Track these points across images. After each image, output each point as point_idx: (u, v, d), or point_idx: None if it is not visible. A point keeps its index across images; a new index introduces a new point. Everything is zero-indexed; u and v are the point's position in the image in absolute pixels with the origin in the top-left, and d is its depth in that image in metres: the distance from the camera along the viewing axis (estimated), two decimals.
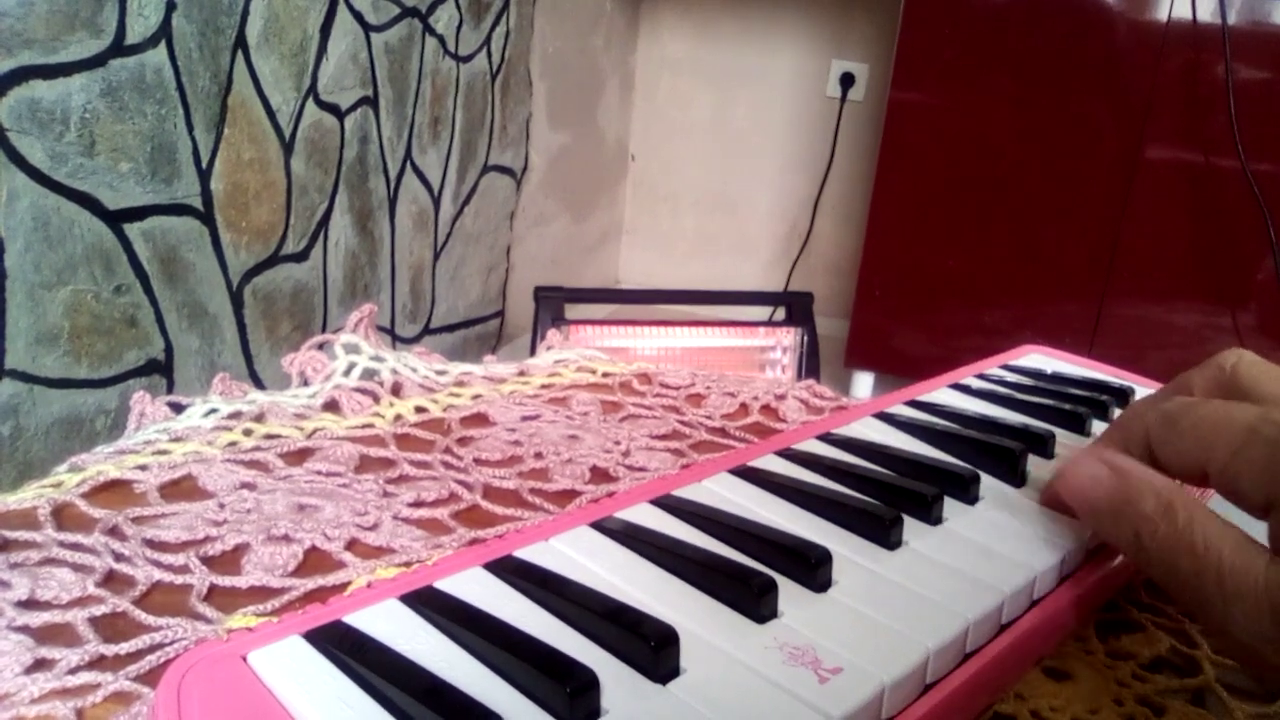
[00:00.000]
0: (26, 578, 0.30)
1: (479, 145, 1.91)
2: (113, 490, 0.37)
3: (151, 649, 0.28)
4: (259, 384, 1.09)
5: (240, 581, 0.31)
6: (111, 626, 0.29)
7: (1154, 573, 0.26)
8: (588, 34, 2.32)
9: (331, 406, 0.46)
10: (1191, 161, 1.79)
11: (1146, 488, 0.27)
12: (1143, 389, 0.44)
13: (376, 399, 0.47)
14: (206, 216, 1.21)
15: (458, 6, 1.73)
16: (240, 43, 1.23)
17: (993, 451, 0.34)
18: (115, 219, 1.07)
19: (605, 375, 0.53)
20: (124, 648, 0.28)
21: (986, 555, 0.29)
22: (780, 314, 1.85)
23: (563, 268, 2.42)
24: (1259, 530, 0.26)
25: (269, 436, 0.42)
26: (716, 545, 0.28)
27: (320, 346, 0.51)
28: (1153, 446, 0.29)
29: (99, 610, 0.29)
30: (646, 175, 2.74)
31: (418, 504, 0.37)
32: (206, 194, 1.21)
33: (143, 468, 0.38)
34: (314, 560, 0.33)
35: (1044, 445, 0.36)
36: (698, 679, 0.22)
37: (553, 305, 1.69)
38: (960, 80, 1.87)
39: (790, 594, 0.26)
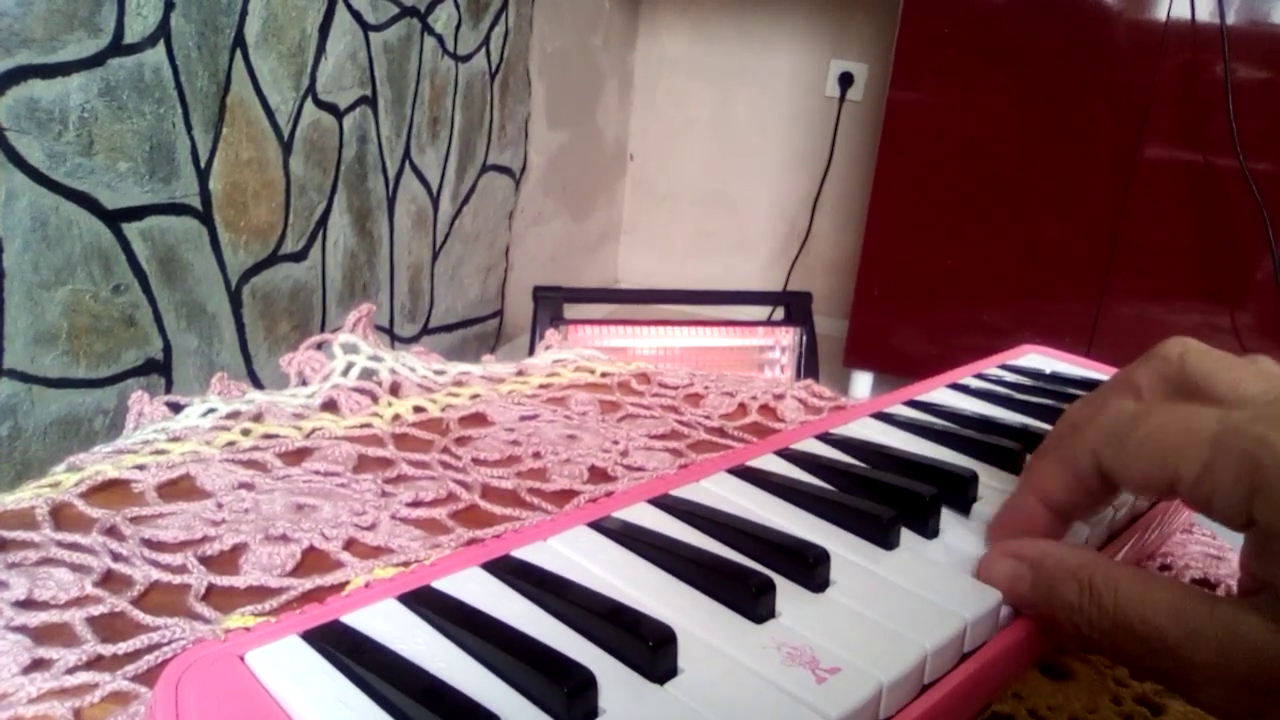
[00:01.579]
0: (24, 577, 0.30)
1: (478, 145, 1.91)
2: (111, 490, 0.37)
3: (149, 649, 0.28)
4: (257, 384, 1.09)
5: (238, 581, 0.31)
6: (109, 626, 0.29)
7: (1107, 655, 0.25)
8: (587, 33, 2.32)
9: (330, 406, 0.46)
10: (1190, 161, 1.79)
11: (1064, 573, 0.25)
12: None
13: (375, 399, 0.47)
14: (205, 216, 1.21)
15: (456, 6, 1.73)
16: (239, 42, 1.23)
17: (991, 451, 0.34)
18: (114, 218, 1.07)
19: (604, 375, 0.53)
20: (122, 647, 0.28)
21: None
22: (779, 313, 1.85)
23: (561, 267, 2.42)
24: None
25: (267, 436, 0.42)
26: (714, 545, 0.28)
27: (319, 346, 0.51)
28: (1103, 466, 0.26)
29: (97, 610, 0.29)
30: (645, 175, 2.73)
31: (416, 504, 0.37)
32: (205, 194, 1.21)
33: (141, 467, 0.38)
34: (312, 560, 0.33)
35: None
36: (696, 679, 0.22)
37: (551, 305, 1.69)
38: (959, 80, 1.87)
39: (788, 594, 0.26)
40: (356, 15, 1.46)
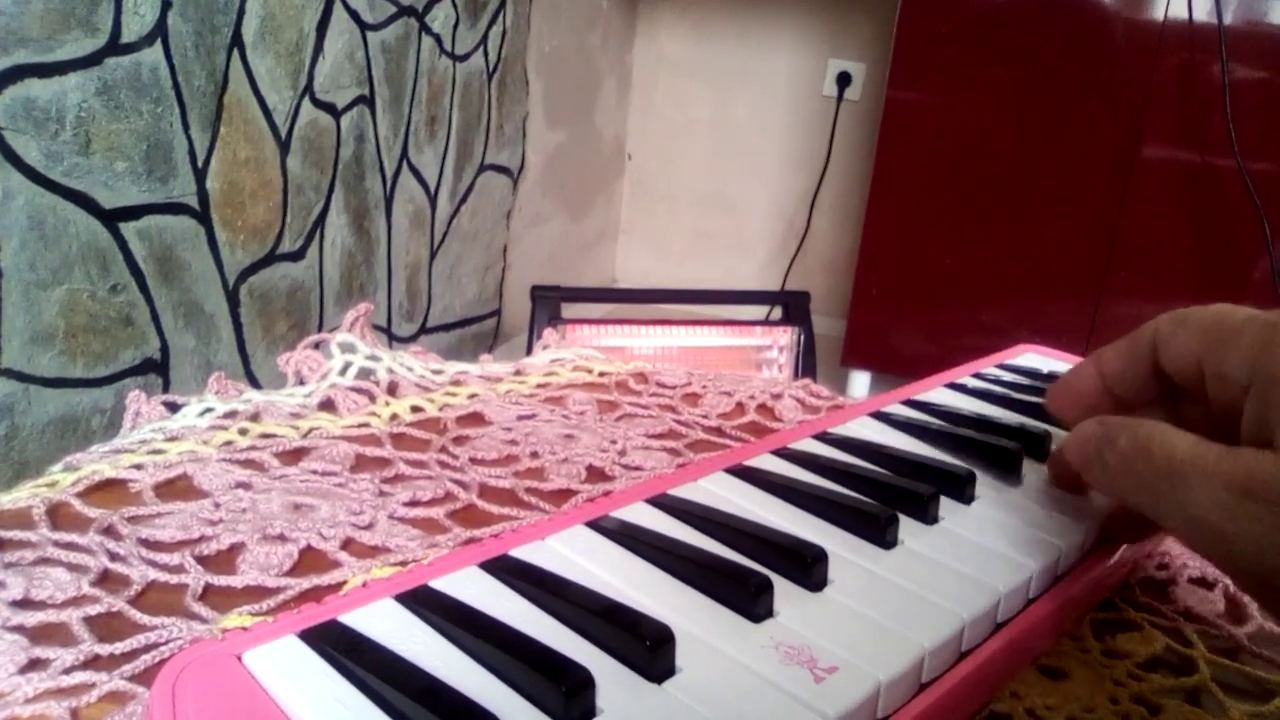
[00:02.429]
0: (21, 577, 0.30)
1: (475, 144, 1.91)
2: (108, 489, 0.37)
3: (146, 648, 0.28)
4: (255, 383, 1.09)
5: (235, 581, 0.31)
6: (106, 626, 0.29)
7: (1119, 487, 0.27)
8: (584, 33, 2.32)
9: (327, 406, 0.46)
10: (1188, 161, 1.79)
11: (1121, 426, 0.28)
12: None
13: (372, 398, 0.47)
14: (202, 215, 1.21)
15: (454, 5, 1.73)
16: (236, 41, 1.22)
17: (989, 451, 0.34)
18: (111, 218, 1.07)
19: (601, 374, 0.53)
20: (119, 647, 0.28)
21: (982, 554, 0.29)
22: (777, 313, 1.85)
23: (559, 267, 2.42)
24: None
25: (264, 436, 0.42)
26: (712, 544, 0.28)
27: (316, 346, 0.51)
28: (1158, 344, 0.29)
29: (94, 610, 0.29)
30: (643, 174, 2.73)
31: (413, 503, 0.37)
32: (202, 193, 1.20)
33: (138, 467, 0.38)
34: (309, 560, 0.33)
35: (1040, 445, 0.36)
36: (694, 678, 0.22)
37: (549, 304, 1.69)
38: (957, 79, 1.87)
39: (786, 593, 0.26)
40: (354, 14, 1.46)
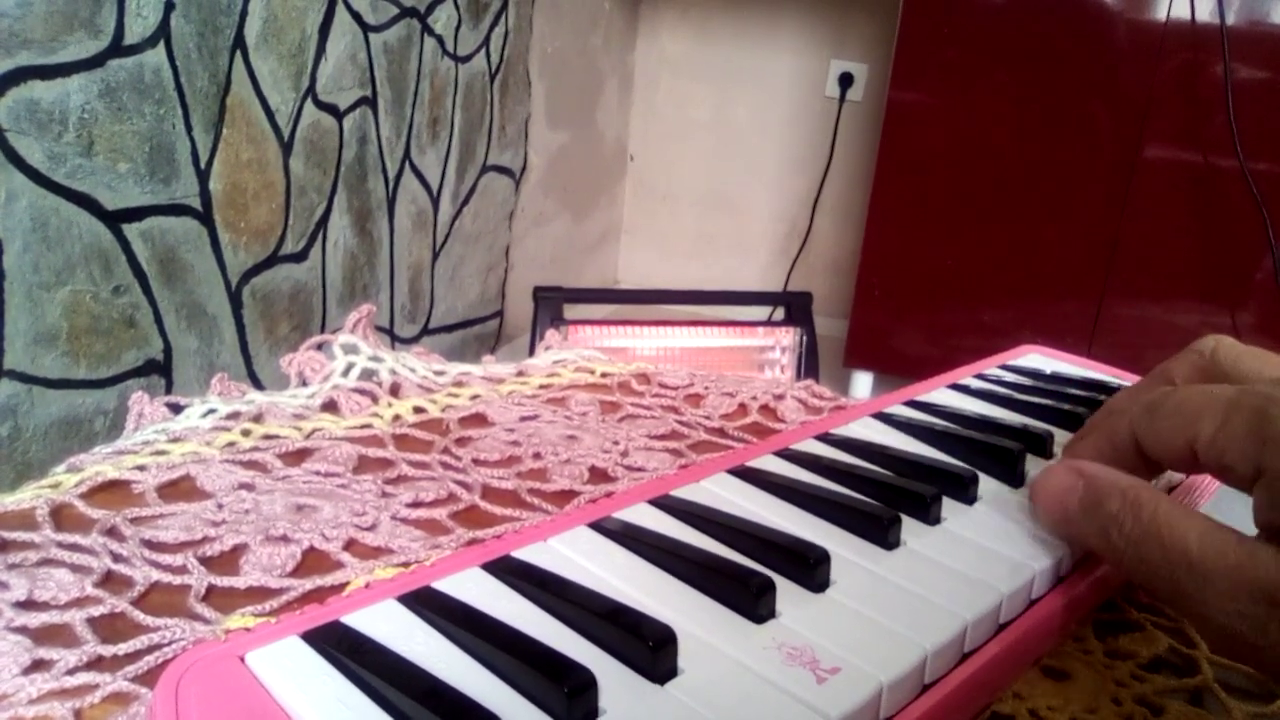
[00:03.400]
0: (25, 578, 0.30)
1: (478, 145, 1.91)
2: (111, 491, 0.37)
3: (150, 649, 0.28)
4: (258, 384, 1.09)
5: (238, 582, 0.31)
6: (110, 627, 0.29)
7: (1127, 569, 0.27)
8: (587, 34, 2.32)
9: (330, 407, 0.46)
10: (1190, 161, 1.79)
11: (1112, 488, 0.27)
12: None
13: (375, 399, 0.47)
14: (205, 217, 1.21)
15: (456, 6, 1.73)
16: (239, 43, 1.23)
17: (991, 452, 0.34)
18: (114, 219, 1.07)
19: (604, 375, 0.53)
20: (122, 648, 0.28)
21: (984, 555, 0.29)
22: (779, 314, 1.85)
23: (561, 268, 2.42)
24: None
25: (267, 437, 0.42)
26: (715, 545, 0.28)
27: (319, 347, 0.51)
28: (1137, 436, 0.29)
29: (97, 611, 0.29)
30: (645, 175, 2.73)
31: (416, 504, 0.37)
32: (205, 194, 1.21)
33: (141, 468, 0.38)
34: (312, 561, 0.33)
35: (1043, 445, 0.36)
36: (696, 679, 0.22)
37: (551, 305, 1.69)
38: (959, 80, 1.87)
39: (788, 594, 0.26)
40: (356, 16, 1.46)
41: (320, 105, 1.41)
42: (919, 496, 0.30)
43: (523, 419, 0.47)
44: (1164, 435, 0.28)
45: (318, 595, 0.31)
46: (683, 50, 2.60)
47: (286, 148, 1.35)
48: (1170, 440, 0.28)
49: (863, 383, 2.13)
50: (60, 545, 0.32)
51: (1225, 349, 0.30)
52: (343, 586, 0.32)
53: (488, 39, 1.87)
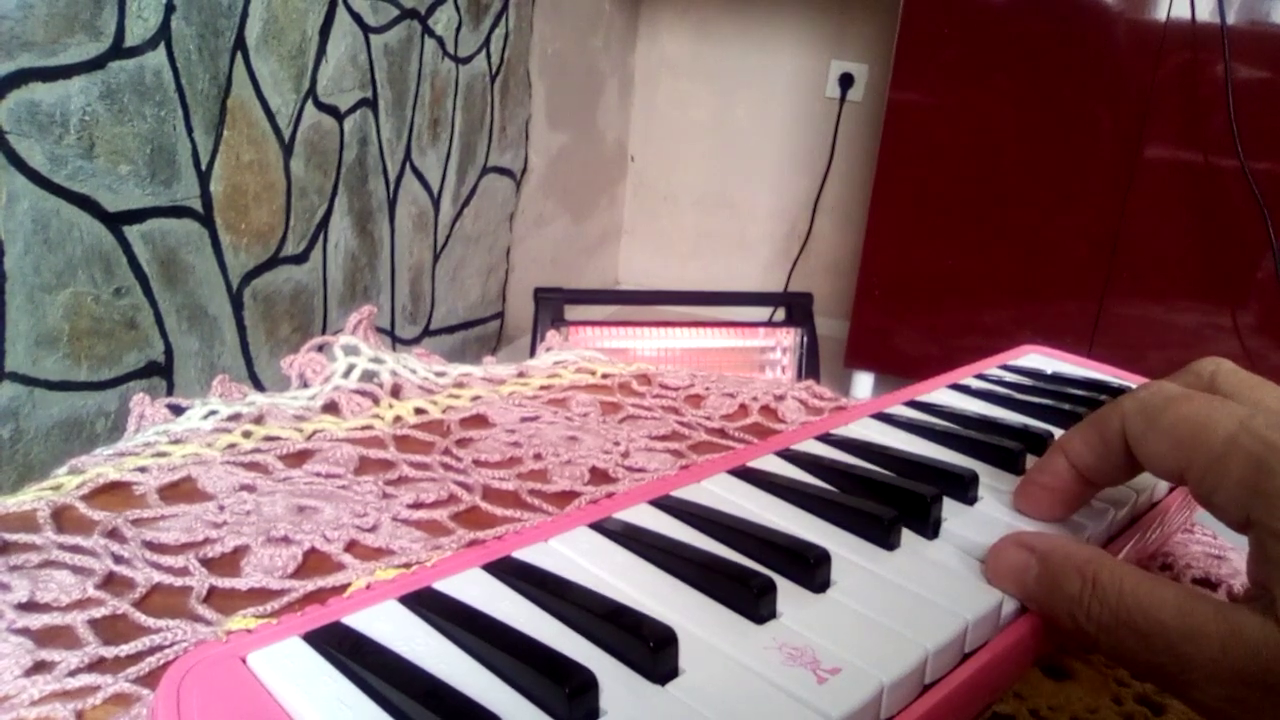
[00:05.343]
0: (26, 580, 0.30)
1: (478, 146, 1.91)
2: (112, 492, 0.37)
3: (151, 651, 0.28)
4: (259, 386, 1.09)
5: (240, 583, 0.32)
6: (111, 628, 0.29)
7: (1104, 654, 0.25)
8: (587, 35, 2.33)
9: (331, 408, 0.46)
10: (1191, 161, 1.79)
11: (1067, 565, 0.25)
12: None
13: (376, 401, 0.47)
14: (206, 218, 1.21)
15: (457, 8, 1.73)
16: (239, 45, 1.23)
17: (992, 452, 0.34)
18: (115, 221, 1.07)
19: (604, 376, 0.53)
20: (124, 650, 0.28)
21: (986, 555, 0.29)
22: (780, 314, 1.85)
23: (562, 269, 2.42)
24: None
25: (268, 438, 0.42)
26: (715, 546, 0.28)
27: (320, 348, 0.51)
28: (1129, 440, 0.28)
29: (99, 612, 0.29)
30: (646, 176, 2.74)
31: (417, 505, 0.37)
32: (206, 196, 1.21)
33: (142, 470, 0.38)
34: (313, 562, 0.33)
35: (1043, 445, 0.35)
36: (696, 679, 0.22)
37: (552, 306, 1.69)
38: (960, 80, 1.87)
39: (789, 594, 0.26)
40: (357, 17, 1.46)
41: (321, 107, 1.41)
42: (919, 497, 0.30)
43: (524, 420, 0.47)
44: (1155, 452, 0.27)
45: (319, 596, 0.31)
46: (683, 51, 2.61)
47: (287, 149, 1.35)
48: (1161, 459, 0.27)
49: (863, 383, 2.13)
50: (62, 547, 0.32)
51: (1226, 374, 0.29)
52: (344, 587, 0.32)
53: (488, 40, 1.87)
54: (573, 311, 1.71)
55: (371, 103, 1.54)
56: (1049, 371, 0.46)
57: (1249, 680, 0.22)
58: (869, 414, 0.39)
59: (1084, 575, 0.25)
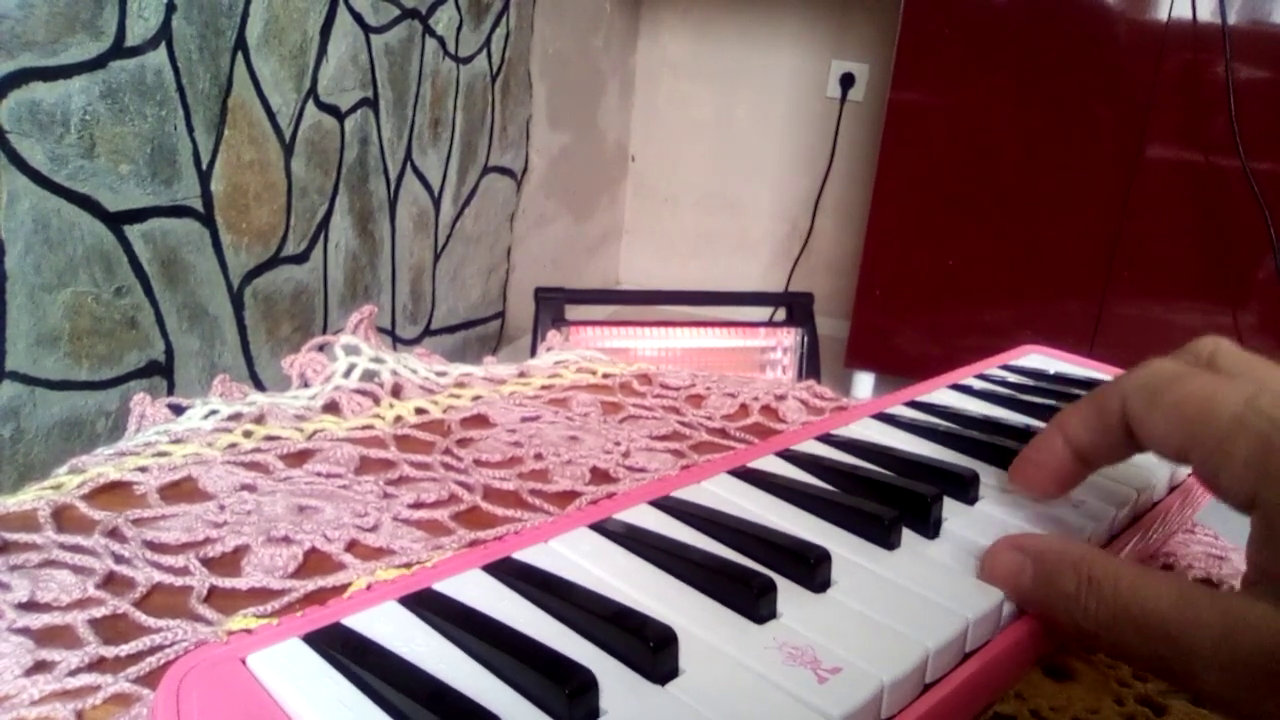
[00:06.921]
0: (27, 580, 0.30)
1: (479, 146, 1.91)
2: (113, 492, 0.37)
3: (151, 651, 0.28)
4: (259, 386, 1.09)
5: (240, 583, 0.32)
6: (112, 628, 0.29)
7: (1104, 650, 0.25)
8: (588, 35, 2.32)
9: (332, 408, 0.46)
10: (1192, 161, 1.79)
11: (1062, 563, 0.25)
12: None
13: (376, 400, 0.47)
14: (207, 218, 1.21)
15: (458, 8, 1.73)
16: (240, 44, 1.23)
17: (993, 452, 0.34)
18: (116, 221, 1.07)
19: (605, 376, 0.53)
20: (124, 649, 0.28)
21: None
22: (781, 314, 1.85)
23: (563, 269, 2.42)
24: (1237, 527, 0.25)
25: (269, 438, 0.42)
26: (716, 546, 0.28)
27: (320, 348, 0.51)
28: (1130, 420, 0.27)
29: (99, 612, 0.29)
30: (647, 176, 2.74)
31: (418, 505, 0.37)
32: (207, 195, 1.21)
33: (143, 469, 0.38)
34: (314, 562, 0.33)
35: None
36: (697, 680, 0.22)
37: (553, 306, 1.69)
38: (960, 80, 1.87)
39: (789, 594, 0.26)
40: (358, 17, 1.46)
41: (322, 106, 1.41)
42: (920, 497, 0.30)
43: (524, 420, 0.47)
44: (1158, 432, 0.26)
45: (319, 596, 0.31)
46: (684, 51, 2.61)
47: (288, 149, 1.35)
48: (1164, 439, 0.26)
49: (864, 383, 2.13)
50: (62, 546, 0.32)
51: (1225, 352, 0.28)
52: (344, 588, 0.32)
53: (489, 40, 1.87)
54: (573, 311, 1.71)
55: (372, 102, 1.54)
56: (1050, 371, 0.46)
57: (1251, 667, 0.22)
58: (870, 414, 0.39)
59: (1079, 573, 0.25)
